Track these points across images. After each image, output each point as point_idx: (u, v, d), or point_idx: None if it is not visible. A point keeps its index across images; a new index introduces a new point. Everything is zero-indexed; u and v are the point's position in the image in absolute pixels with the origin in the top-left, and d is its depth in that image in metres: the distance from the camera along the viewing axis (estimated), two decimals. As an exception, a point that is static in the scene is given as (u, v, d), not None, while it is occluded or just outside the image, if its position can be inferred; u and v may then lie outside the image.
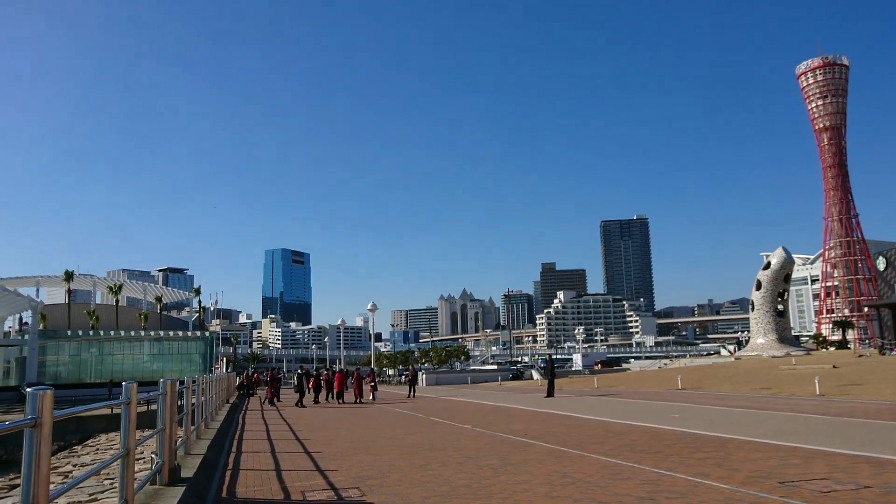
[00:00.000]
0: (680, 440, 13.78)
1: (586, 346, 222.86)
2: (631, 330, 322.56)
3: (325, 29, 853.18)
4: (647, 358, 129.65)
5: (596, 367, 77.78)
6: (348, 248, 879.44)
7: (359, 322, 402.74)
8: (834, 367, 35.18)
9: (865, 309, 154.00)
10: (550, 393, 30.98)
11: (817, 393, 24.12)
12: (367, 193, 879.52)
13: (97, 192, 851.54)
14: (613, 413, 20.97)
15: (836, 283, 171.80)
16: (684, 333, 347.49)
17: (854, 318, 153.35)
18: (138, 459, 15.07)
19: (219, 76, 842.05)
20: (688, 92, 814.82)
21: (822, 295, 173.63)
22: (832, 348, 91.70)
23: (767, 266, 62.92)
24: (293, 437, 17.29)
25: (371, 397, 35.44)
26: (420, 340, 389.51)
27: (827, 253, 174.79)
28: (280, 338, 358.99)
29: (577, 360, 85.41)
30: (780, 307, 62.88)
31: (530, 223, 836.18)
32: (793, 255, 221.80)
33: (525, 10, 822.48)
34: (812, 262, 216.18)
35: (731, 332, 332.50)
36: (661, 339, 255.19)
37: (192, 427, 13.77)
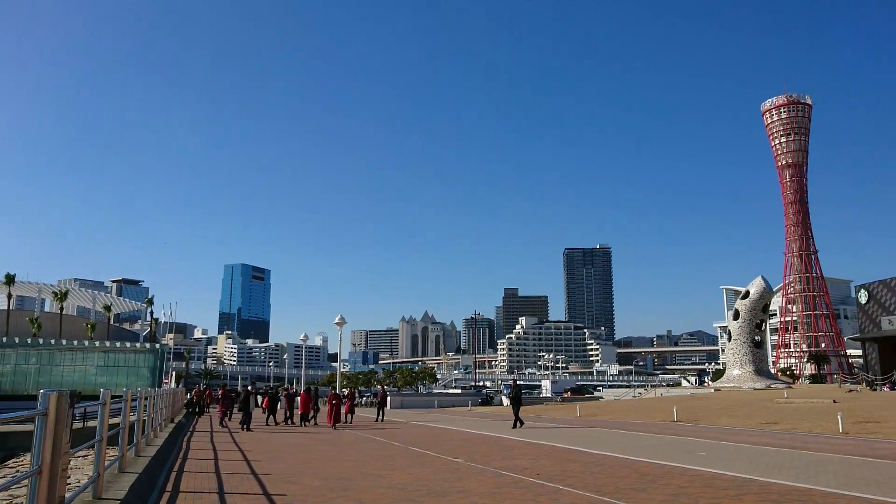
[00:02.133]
0: (744, 488, 10.92)
1: (547, 372, 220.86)
2: (591, 358, 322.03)
3: (297, 43, 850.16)
4: (610, 387, 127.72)
5: (565, 395, 75.10)
6: (309, 266, 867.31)
7: (318, 341, 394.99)
8: (834, 401, 33.01)
9: (822, 345, 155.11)
10: (521, 422, 26.50)
11: (840, 431, 21.61)
12: (330, 212, 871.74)
13: (56, 201, 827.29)
14: (625, 448, 18.05)
15: (794, 318, 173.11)
16: (642, 363, 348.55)
17: (818, 353, 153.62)
18: None
19: (183, 87, 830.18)
20: (653, 125, 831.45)
21: (781, 330, 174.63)
22: (805, 381, 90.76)
23: (746, 295, 61.28)
24: (248, 469, 13.93)
25: (348, 420, 32.12)
26: (379, 361, 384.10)
27: (786, 288, 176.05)
28: (236, 355, 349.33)
29: (547, 386, 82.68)
30: (757, 338, 61.20)
31: (494, 248, 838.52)
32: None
33: (496, 36, 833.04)
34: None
35: (688, 364, 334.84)
36: (622, 367, 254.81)
37: (114, 457, 10.39)
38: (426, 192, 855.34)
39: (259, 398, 41.61)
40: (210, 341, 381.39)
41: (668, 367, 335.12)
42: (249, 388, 30.71)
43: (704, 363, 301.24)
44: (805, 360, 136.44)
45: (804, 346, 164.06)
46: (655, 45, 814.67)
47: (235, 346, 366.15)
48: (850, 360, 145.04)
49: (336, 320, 36.08)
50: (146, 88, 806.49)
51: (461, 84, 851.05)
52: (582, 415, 36.57)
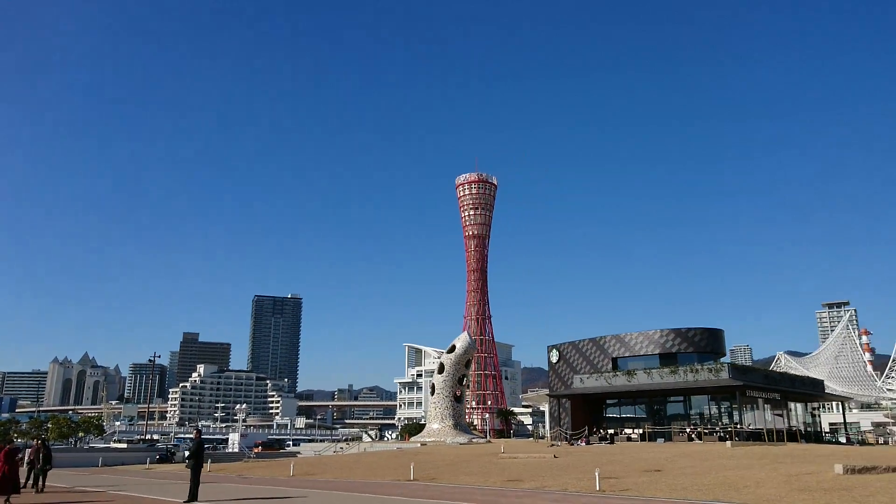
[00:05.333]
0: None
1: (224, 425, 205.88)
2: (271, 411, 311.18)
3: None
4: (295, 441, 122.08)
5: (256, 450, 68.34)
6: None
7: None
8: (555, 456, 33.33)
9: (489, 402, 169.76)
10: (194, 494, 19.53)
11: (598, 489, 20.67)
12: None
13: None
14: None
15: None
16: (321, 417, 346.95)
17: (480, 410, 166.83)
18: None
19: None
20: (356, 186, 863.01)
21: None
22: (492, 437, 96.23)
23: (452, 349, 62.49)
24: None
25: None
26: (17, 409, 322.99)
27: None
28: None
29: (235, 440, 74.55)
30: (458, 393, 62.41)
31: (173, 288, 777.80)
32: (430, 349, 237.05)
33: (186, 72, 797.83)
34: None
35: (366, 418, 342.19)
36: (307, 421, 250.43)
37: None
38: (92, 219, 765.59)
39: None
40: None
41: (347, 420, 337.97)
42: None
43: (382, 417, 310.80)
44: (486, 415, 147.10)
45: (473, 402, 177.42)
46: (375, 106, 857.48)
47: None
48: (510, 417, 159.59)
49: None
50: None
51: (156, 125, 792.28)
52: (297, 473, 31.84)
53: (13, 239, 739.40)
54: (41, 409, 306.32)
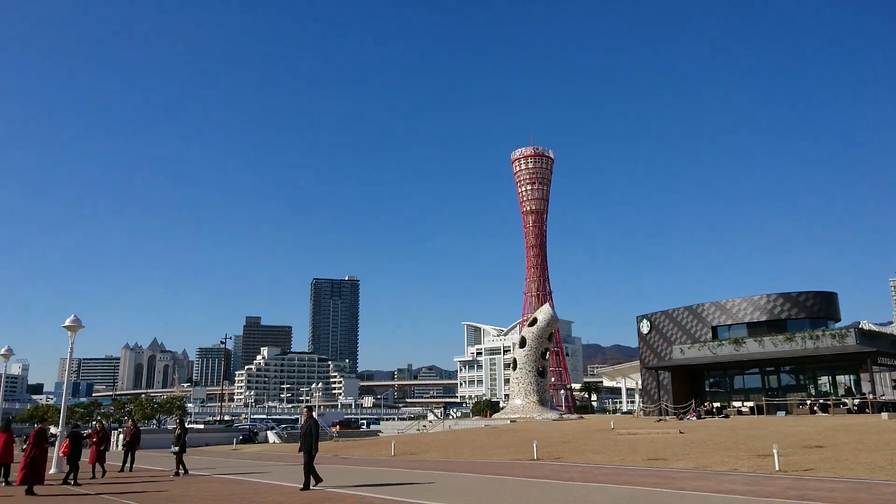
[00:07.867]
0: None
1: (290, 405, 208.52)
2: (334, 391, 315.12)
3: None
4: (368, 420, 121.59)
5: (334, 429, 67.40)
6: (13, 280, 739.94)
7: (15, 370, 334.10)
8: (680, 432, 30.31)
9: (553, 379, 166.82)
10: (318, 478, 16.86)
11: (776, 469, 17.59)
12: (41, 222, 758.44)
13: None
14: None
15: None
16: (382, 396, 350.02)
17: (590, 385, 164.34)
18: None
19: None
20: (410, 165, 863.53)
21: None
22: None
23: (533, 322, 59.78)
24: None
25: (96, 473, 22.87)
26: (94, 394, 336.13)
27: (524, 325, 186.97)
28: None
29: (312, 419, 73.80)
30: (540, 367, 59.74)
31: (237, 274, 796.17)
32: (489, 327, 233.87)
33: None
34: (506, 334, 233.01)
35: (427, 397, 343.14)
36: (373, 400, 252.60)
37: None
38: (154, 209, 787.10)
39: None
40: None
41: (408, 400, 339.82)
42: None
43: (442, 396, 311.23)
44: (561, 391, 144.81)
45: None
46: (427, 79, 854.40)
47: None
48: (573, 393, 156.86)
49: (68, 321, 24.97)
50: None
51: (204, 119, 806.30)
52: (400, 453, 29.67)
53: (83, 231, 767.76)
54: (116, 392, 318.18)
